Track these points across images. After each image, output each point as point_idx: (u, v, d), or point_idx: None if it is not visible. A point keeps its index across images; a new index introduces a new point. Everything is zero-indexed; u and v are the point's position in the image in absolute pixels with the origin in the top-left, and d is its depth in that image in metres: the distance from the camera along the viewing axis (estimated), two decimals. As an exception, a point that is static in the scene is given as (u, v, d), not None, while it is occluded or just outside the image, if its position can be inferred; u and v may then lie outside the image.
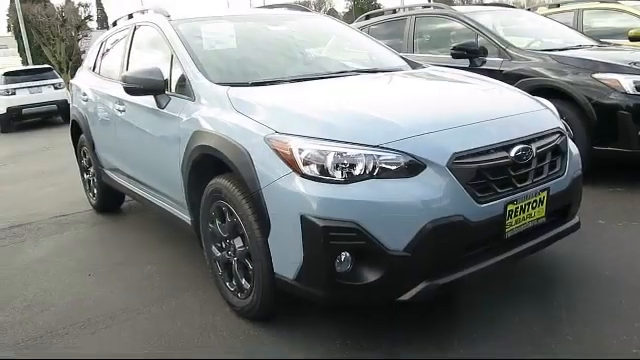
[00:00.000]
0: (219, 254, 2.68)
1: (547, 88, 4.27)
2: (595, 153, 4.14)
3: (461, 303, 2.60)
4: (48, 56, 26.69)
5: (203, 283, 2.98)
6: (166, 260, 3.46)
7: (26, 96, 13.47)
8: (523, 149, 2.23)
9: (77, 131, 4.74)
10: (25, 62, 24.18)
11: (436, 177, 2.05)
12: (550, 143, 2.40)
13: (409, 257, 2.01)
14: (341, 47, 3.84)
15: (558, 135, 2.48)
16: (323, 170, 2.06)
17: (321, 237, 2.02)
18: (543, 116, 2.58)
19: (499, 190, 2.17)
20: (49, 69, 14.78)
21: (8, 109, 13.32)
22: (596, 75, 4.10)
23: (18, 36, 26.92)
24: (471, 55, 4.80)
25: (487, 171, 2.14)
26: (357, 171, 2.05)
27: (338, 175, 2.05)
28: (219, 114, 2.56)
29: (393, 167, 2.06)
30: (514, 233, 2.26)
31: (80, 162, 4.95)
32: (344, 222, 1.99)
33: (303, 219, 2.05)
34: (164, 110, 3.00)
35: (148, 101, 3.11)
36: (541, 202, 2.33)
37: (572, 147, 2.63)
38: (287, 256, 2.17)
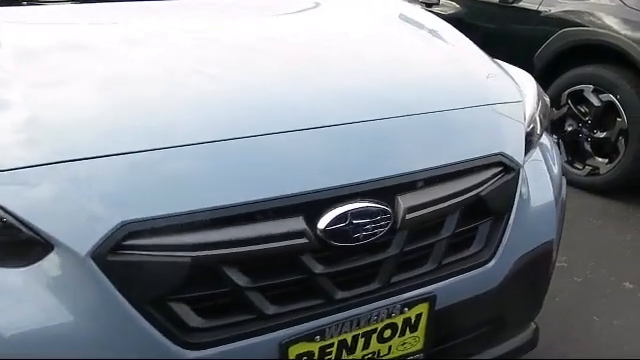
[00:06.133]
0: None
1: (597, 46, 2.68)
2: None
3: None
4: None
5: None
6: None
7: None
8: (356, 214, 0.91)
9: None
10: None
11: (67, 280, 0.80)
12: (462, 194, 1.03)
13: None
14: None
15: (497, 173, 1.09)
16: None
17: None
18: (480, 122, 1.16)
19: (267, 310, 0.89)
20: None
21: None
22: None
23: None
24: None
25: (234, 266, 0.85)
26: None
27: None
28: None
29: None
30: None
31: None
32: None
33: None
34: None
35: None
36: (410, 326, 1.02)
37: (536, 190, 1.20)
38: None
